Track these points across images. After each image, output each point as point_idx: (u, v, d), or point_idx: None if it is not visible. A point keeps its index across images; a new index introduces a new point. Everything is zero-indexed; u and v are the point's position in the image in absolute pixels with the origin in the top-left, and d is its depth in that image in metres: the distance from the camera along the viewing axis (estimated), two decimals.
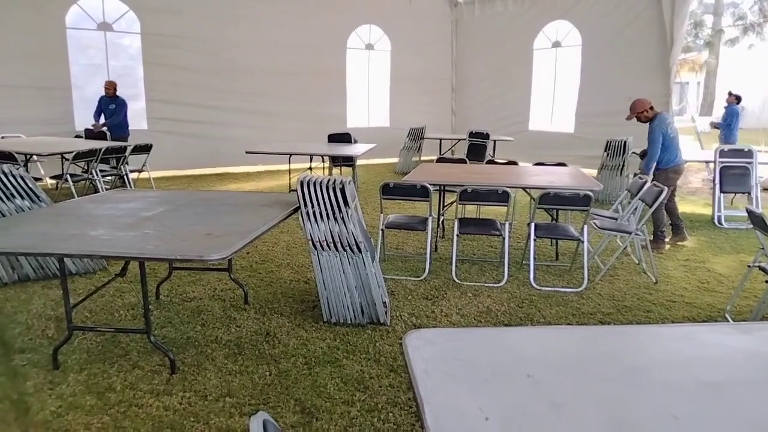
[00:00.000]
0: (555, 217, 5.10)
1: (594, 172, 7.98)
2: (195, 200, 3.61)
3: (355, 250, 3.34)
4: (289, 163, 7.59)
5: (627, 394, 1.29)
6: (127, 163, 7.08)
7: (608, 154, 7.77)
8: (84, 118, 8.54)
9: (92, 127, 8.03)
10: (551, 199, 4.25)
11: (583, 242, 4.28)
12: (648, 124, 5.27)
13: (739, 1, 21.67)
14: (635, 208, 4.73)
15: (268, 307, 3.76)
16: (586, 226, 4.28)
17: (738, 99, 9.48)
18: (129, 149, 6.89)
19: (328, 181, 3.29)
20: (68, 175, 6.24)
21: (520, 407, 1.23)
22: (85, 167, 6.77)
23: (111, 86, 8.01)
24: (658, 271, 4.54)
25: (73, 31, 8.46)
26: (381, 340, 3.26)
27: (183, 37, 9.22)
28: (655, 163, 5.20)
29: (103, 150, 6.44)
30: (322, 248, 3.36)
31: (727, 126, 9.49)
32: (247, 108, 9.94)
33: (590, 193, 4.18)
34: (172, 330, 3.38)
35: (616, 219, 4.82)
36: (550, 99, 11.00)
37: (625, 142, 7.55)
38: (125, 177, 7.06)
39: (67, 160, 6.15)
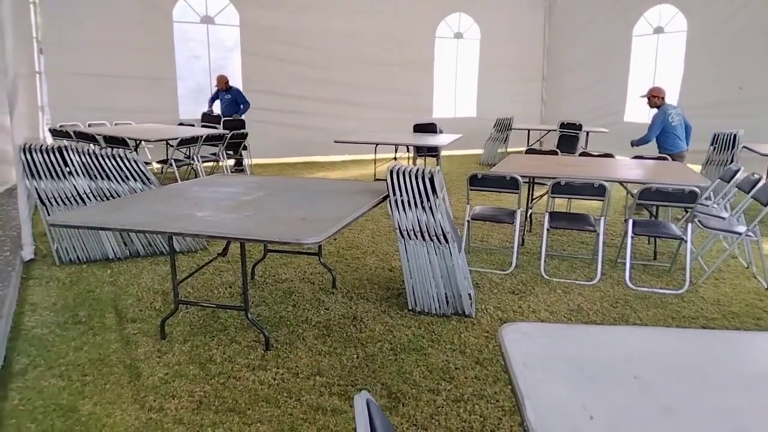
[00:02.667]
0: (655, 214, 4.81)
1: (698, 167, 7.43)
2: (290, 186, 3.75)
3: (442, 240, 3.34)
4: (375, 152, 7.69)
5: (743, 404, 1.20)
6: (245, 148, 7.79)
7: (715, 148, 7.18)
8: (187, 107, 9.14)
9: (208, 112, 8.73)
10: (652, 195, 4.00)
11: (686, 241, 4.01)
12: (655, 109, 6.32)
13: None
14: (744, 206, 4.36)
15: (355, 292, 3.85)
16: (690, 225, 4.00)
17: None
18: (227, 138, 7.29)
19: (418, 170, 3.31)
20: (173, 160, 6.70)
21: (627, 409, 1.18)
22: (187, 153, 7.25)
23: (223, 80, 8.63)
24: None
25: (178, 24, 9.03)
26: (466, 331, 3.25)
27: (279, 28, 9.60)
28: (645, 143, 6.33)
29: (204, 137, 6.85)
30: (409, 237, 3.39)
31: None
32: (336, 98, 10.18)
33: (696, 189, 3.90)
34: (265, 309, 3.56)
35: (723, 218, 4.47)
36: (648, 89, 10.31)
37: (734, 135, 6.95)
38: (242, 161, 7.87)
39: (172, 146, 6.60)
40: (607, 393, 1.25)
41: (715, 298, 3.83)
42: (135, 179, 4.52)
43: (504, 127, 10.18)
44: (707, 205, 4.74)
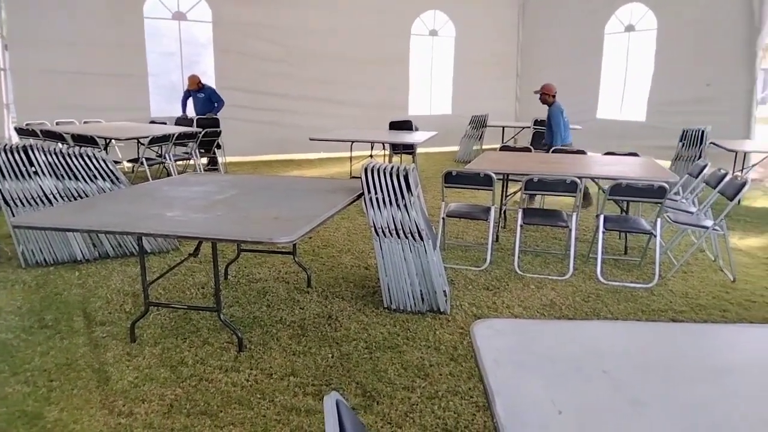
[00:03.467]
0: (625, 209, 4.89)
1: (667, 163, 7.59)
2: (264, 185, 3.71)
3: (417, 237, 3.34)
4: (351, 150, 7.66)
5: (710, 396, 1.22)
6: (219, 146, 7.70)
7: (684, 143, 7.35)
8: (159, 104, 8.97)
9: (182, 117, 8.51)
10: (623, 190, 4.07)
11: (655, 236, 4.09)
12: (548, 107, 6.56)
13: None
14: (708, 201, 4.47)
15: (330, 291, 3.83)
16: (659, 220, 4.08)
17: None
18: (200, 136, 7.18)
19: (392, 168, 3.30)
20: (144, 159, 6.57)
21: (595, 403, 1.19)
22: (159, 151, 7.11)
23: (194, 80, 8.45)
24: (736, 269, 4.27)
25: (150, 20, 8.85)
26: (441, 328, 3.25)
27: (252, 24, 9.49)
28: (562, 142, 6.39)
29: (177, 135, 6.73)
30: (384, 235, 3.38)
31: None
32: (312, 95, 10.11)
33: (665, 185, 3.98)
34: (239, 309, 3.51)
35: (691, 213, 4.57)
36: (620, 86, 10.52)
37: (702, 131, 7.12)
38: (216, 160, 7.85)
39: (143, 144, 6.47)
40: (577, 388, 1.25)
41: (683, 291, 3.92)
42: (104, 179, 4.41)
43: (479, 124, 10.25)
44: (676, 200, 4.84)
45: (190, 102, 8.70)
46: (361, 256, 4.62)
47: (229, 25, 9.34)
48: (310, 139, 7.20)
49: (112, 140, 6.74)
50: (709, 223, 4.21)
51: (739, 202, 6.81)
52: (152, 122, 8.41)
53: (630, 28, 10.10)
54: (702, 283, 4.09)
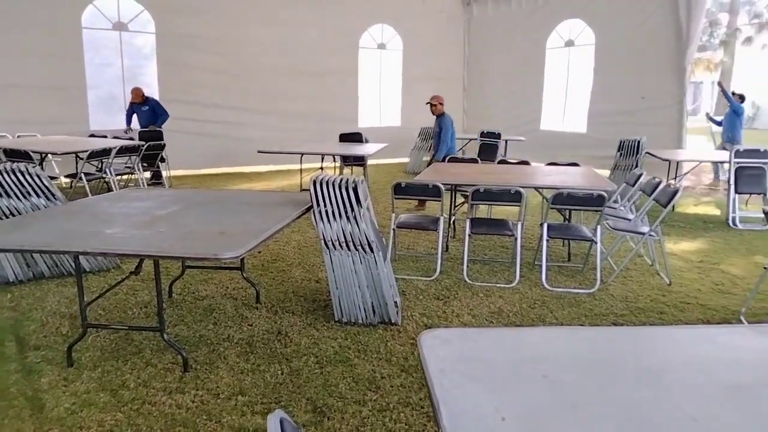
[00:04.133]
0: (568, 217, 5.06)
1: (607, 172, 7.93)
2: (208, 199, 3.63)
3: (367, 249, 3.34)
4: (301, 162, 7.61)
5: (644, 396, 1.27)
6: (163, 160, 7.42)
7: (621, 153, 7.70)
8: (99, 117, 8.64)
9: (125, 132, 8.17)
10: (564, 199, 4.22)
11: (596, 243, 4.25)
12: (438, 117, 6.70)
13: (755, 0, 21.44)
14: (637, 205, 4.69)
15: (280, 306, 3.77)
16: (599, 227, 4.24)
17: (742, 98, 9.17)
18: (143, 149, 6.95)
19: (341, 180, 3.30)
20: (83, 174, 6.30)
21: (536, 408, 1.22)
22: (99, 166, 6.84)
23: (138, 93, 8.15)
24: (671, 273, 4.49)
25: (89, 30, 8.54)
26: (392, 339, 3.26)
27: (197, 36, 9.30)
28: (453, 152, 6.64)
29: (118, 148, 6.49)
30: (334, 247, 3.36)
31: (732, 124, 9.09)
32: (260, 108, 9.99)
33: (604, 194, 4.15)
34: (184, 328, 3.40)
35: (629, 220, 4.78)
36: (562, 98, 10.94)
37: (638, 141, 7.48)
38: (160, 174, 7.62)
39: (82, 159, 6.21)
40: (519, 394, 1.28)
41: (623, 295, 4.08)
42: (38, 195, 4.20)
43: (428, 135, 10.38)
44: (615, 208, 5.05)
45: (134, 117, 8.40)
46: (312, 269, 4.58)
47: (172, 37, 9.12)
48: (259, 152, 7.12)
49: (48, 155, 6.43)
50: (645, 229, 4.41)
51: (673, 208, 7.20)
52: (92, 135, 8.09)
53: (570, 43, 10.54)
54: (641, 286, 4.27)
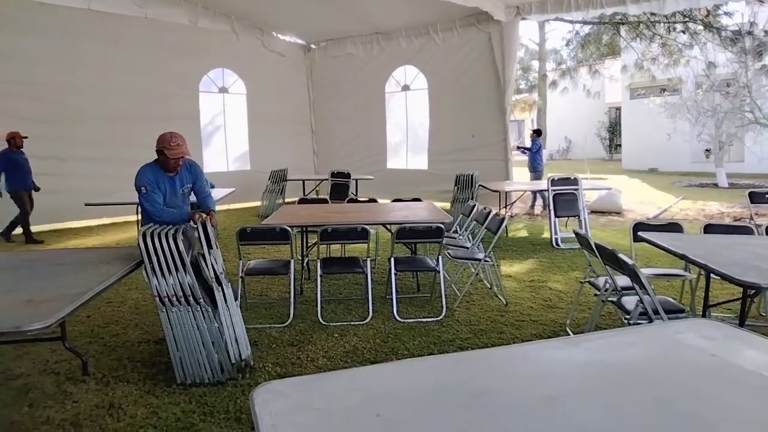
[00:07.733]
0: (414, 250, 5.29)
1: (447, 205, 8.50)
2: (16, 263, 3.17)
3: (209, 302, 3.15)
4: (137, 213, 7.04)
5: (472, 421, 1.32)
6: None
7: (458, 187, 8.33)
8: None
9: None
10: (407, 233, 4.40)
11: (439, 272, 4.47)
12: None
13: (559, 48, 25.01)
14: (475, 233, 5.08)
15: (113, 375, 3.37)
16: (440, 257, 4.49)
17: (538, 133, 10.83)
18: None
19: (174, 230, 3.09)
20: None
21: None
22: None
23: None
24: (507, 294, 4.88)
25: None
26: (242, 396, 3.07)
27: (15, 82, 8.25)
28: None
29: None
30: (172, 304, 3.12)
31: (534, 155, 10.48)
32: (91, 156, 9.07)
33: (441, 226, 4.41)
34: None
35: (467, 248, 5.13)
36: (403, 139, 11.62)
37: (472, 175, 8.16)
38: None
39: None
40: None
41: (467, 319, 4.33)
42: None
43: (279, 178, 10.31)
44: (455, 237, 5.41)
45: None
46: (152, 329, 4.18)
47: None
48: (86, 204, 6.47)
49: None
50: (481, 255, 4.76)
51: (506, 233, 7.91)
52: None
53: (406, 88, 11.29)
54: (482, 309, 4.57)
